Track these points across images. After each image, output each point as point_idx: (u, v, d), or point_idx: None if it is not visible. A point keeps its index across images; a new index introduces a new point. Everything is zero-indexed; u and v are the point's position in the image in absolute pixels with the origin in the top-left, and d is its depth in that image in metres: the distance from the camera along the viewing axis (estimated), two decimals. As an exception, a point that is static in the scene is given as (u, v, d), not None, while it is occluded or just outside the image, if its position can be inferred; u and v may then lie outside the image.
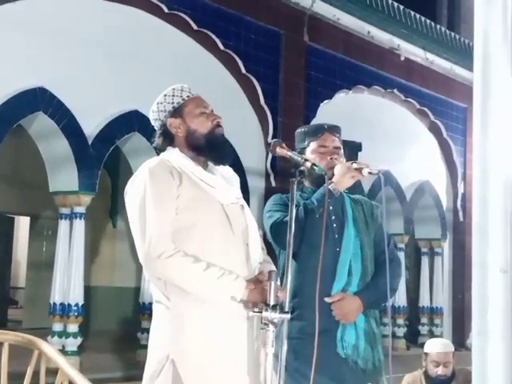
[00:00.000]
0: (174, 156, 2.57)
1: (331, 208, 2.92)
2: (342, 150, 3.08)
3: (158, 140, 2.66)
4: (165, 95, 2.65)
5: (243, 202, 2.65)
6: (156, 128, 2.68)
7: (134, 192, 2.50)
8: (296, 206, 2.54)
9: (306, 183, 3.06)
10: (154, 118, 2.66)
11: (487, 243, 1.71)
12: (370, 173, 2.84)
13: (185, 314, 2.41)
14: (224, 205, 2.53)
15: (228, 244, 2.48)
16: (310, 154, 3.01)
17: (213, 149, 2.58)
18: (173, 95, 2.64)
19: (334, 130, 3.10)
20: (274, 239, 2.91)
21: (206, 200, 2.50)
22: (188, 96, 2.64)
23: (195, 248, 2.42)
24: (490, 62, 1.75)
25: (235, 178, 2.69)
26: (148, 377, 2.45)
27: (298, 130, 3.18)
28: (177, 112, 2.61)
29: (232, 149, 2.72)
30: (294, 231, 2.36)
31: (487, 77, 1.75)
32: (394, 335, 9.29)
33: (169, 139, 2.63)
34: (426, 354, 4.51)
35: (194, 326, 2.40)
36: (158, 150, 2.68)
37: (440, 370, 4.42)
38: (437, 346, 4.55)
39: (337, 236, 2.94)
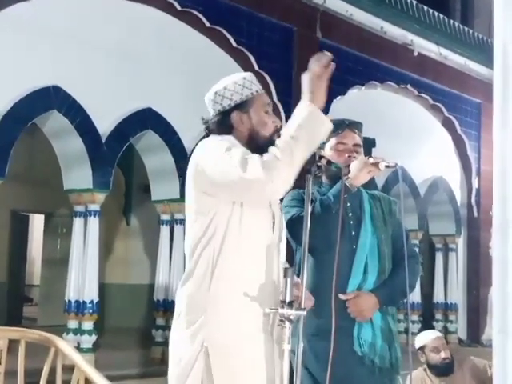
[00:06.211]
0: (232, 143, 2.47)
1: (348, 204, 2.89)
2: (361, 148, 3.03)
3: (212, 125, 2.52)
4: (235, 82, 2.51)
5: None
6: (211, 110, 2.54)
7: (207, 150, 2.40)
8: (312, 201, 2.53)
9: (324, 179, 3.04)
10: (216, 101, 2.51)
11: (507, 240, 1.70)
12: (387, 166, 2.80)
13: (219, 301, 2.35)
14: (271, 203, 2.50)
15: (268, 241, 2.45)
16: (329, 150, 2.98)
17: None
18: (243, 86, 2.51)
19: (354, 126, 3.06)
20: (290, 234, 2.90)
21: None
22: (257, 91, 2.53)
23: (242, 238, 2.37)
24: (509, 60, 1.73)
25: None
26: (183, 364, 2.37)
27: None
28: (243, 105, 2.49)
29: None
30: (309, 227, 2.35)
31: (507, 75, 1.73)
32: (408, 331, 9.28)
33: (227, 129, 2.50)
34: (422, 348, 4.50)
35: (226, 314, 2.35)
36: (208, 131, 2.55)
37: (443, 353, 4.43)
38: (430, 335, 4.59)
39: (353, 233, 2.92)
